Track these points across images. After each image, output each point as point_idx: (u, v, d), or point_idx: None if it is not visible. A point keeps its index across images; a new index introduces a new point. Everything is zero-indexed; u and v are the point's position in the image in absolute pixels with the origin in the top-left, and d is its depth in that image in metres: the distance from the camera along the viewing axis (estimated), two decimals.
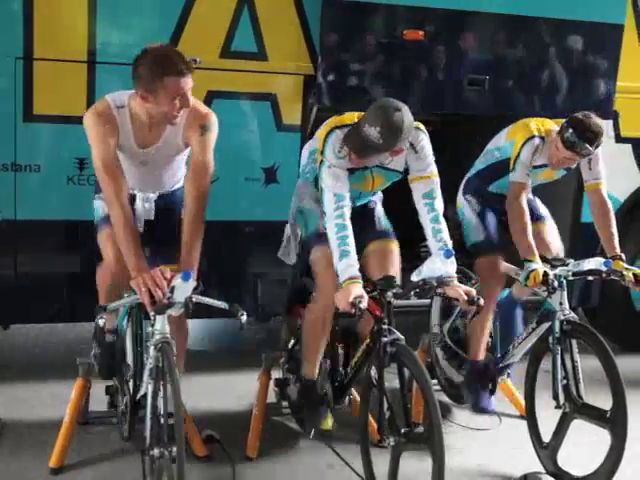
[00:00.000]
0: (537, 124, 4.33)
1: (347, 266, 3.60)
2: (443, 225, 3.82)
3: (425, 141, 3.86)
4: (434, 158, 3.88)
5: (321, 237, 3.90)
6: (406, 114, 3.62)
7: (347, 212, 3.71)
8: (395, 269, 3.97)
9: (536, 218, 4.45)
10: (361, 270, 3.71)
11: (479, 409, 4.58)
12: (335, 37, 4.92)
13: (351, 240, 3.66)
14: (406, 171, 3.91)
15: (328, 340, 4.13)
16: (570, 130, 4.11)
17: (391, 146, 3.64)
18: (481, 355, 4.58)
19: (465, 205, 4.60)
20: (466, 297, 3.62)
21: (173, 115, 3.48)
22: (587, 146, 4.11)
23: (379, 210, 4.24)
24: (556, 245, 4.53)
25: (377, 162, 3.84)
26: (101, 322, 3.27)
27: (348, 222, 3.69)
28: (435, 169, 3.88)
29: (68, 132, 4.59)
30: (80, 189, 4.62)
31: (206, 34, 4.75)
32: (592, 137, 4.11)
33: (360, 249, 3.78)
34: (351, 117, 3.81)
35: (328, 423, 4.13)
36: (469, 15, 5.13)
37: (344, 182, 3.75)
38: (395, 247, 4.08)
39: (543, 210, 4.61)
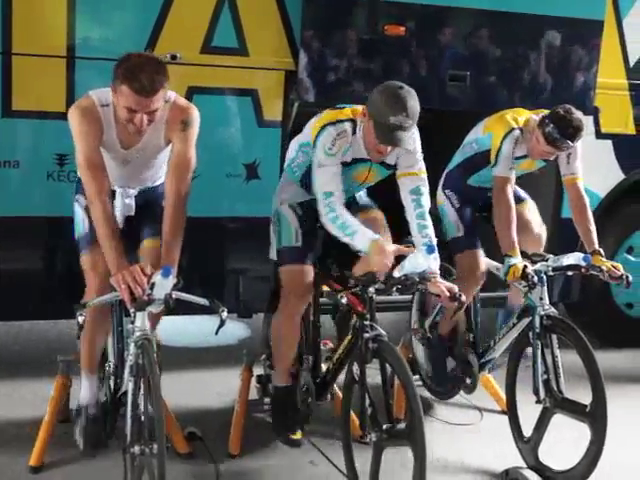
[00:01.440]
0: (513, 116, 4.35)
1: (362, 236, 3.60)
2: (429, 222, 3.83)
3: (415, 135, 3.86)
4: (422, 155, 3.89)
5: (291, 254, 3.94)
6: (410, 89, 3.67)
7: (336, 200, 3.69)
8: (383, 235, 3.92)
9: (516, 200, 4.46)
10: (348, 248, 3.73)
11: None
12: (316, 32, 4.90)
13: (350, 219, 3.66)
14: (396, 167, 3.92)
15: (305, 338, 4.16)
16: (552, 126, 4.13)
17: (414, 125, 3.66)
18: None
19: (445, 201, 4.61)
20: (448, 293, 3.62)
21: (127, 122, 3.43)
22: (568, 142, 4.13)
23: (362, 192, 4.24)
24: (537, 222, 4.58)
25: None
26: (81, 319, 3.25)
27: (339, 209, 3.68)
28: (423, 166, 3.88)
29: (47, 128, 4.56)
30: (60, 185, 4.59)
31: (187, 29, 4.73)
32: (573, 133, 4.14)
33: None
34: (346, 112, 3.80)
35: (297, 435, 4.13)
36: (450, 11, 5.14)
37: (334, 179, 3.73)
38: (379, 215, 4.09)
39: (522, 192, 4.65)
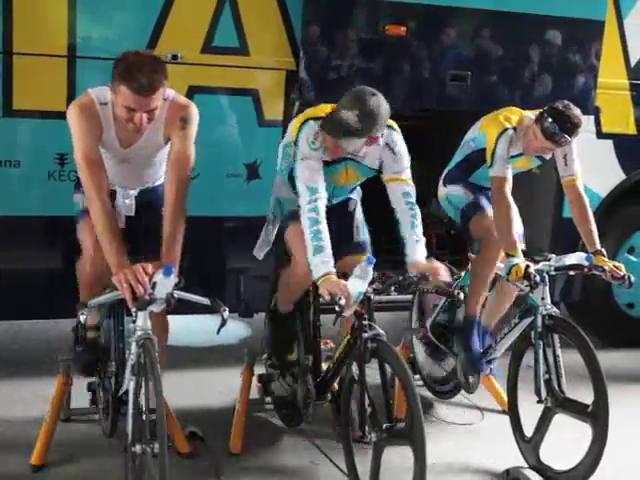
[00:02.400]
0: (505, 115, 4.36)
1: (321, 262, 3.59)
2: (420, 224, 3.84)
3: (400, 142, 3.88)
4: (410, 160, 3.89)
5: (296, 215, 3.88)
6: (382, 100, 3.65)
7: (321, 205, 3.69)
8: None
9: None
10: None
11: (473, 368, 4.52)
12: (317, 32, 4.91)
13: (325, 235, 3.64)
14: (380, 170, 3.92)
15: (305, 338, 4.16)
16: (550, 120, 4.13)
17: (368, 130, 3.63)
18: (477, 311, 4.56)
19: (449, 188, 4.62)
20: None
21: (127, 121, 3.43)
22: (566, 137, 4.14)
23: (358, 216, 4.22)
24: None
25: (352, 151, 3.80)
26: (82, 318, 3.25)
27: (322, 216, 3.67)
28: (410, 174, 3.90)
29: (48, 127, 4.56)
30: (61, 185, 4.59)
31: (187, 29, 4.74)
32: (572, 128, 4.15)
33: (335, 257, 3.69)
34: (324, 109, 3.80)
35: (294, 353, 4.14)
36: (451, 11, 5.14)
37: (318, 174, 3.74)
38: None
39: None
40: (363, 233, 4.15)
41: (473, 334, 4.52)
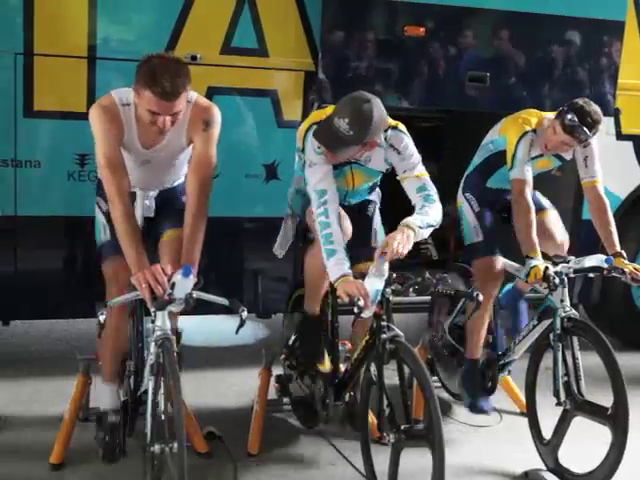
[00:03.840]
0: (525, 118, 4.36)
1: (335, 265, 3.58)
2: (432, 211, 3.73)
3: (407, 141, 3.85)
4: (420, 158, 3.87)
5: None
6: (376, 106, 3.60)
7: (331, 208, 3.67)
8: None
9: (538, 209, 4.44)
10: None
11: (475, 409, 4.57)
12: (336, 33, 4.91)
13: (336, 237, 3.62)
14: (393, 171, 3.90)
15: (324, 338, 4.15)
16: (571, 114, 4.13)
17: (361, 138, 3.61)
18: (477, 354, 4.57)
19: (465, 204, 4.60)
20: None
21: (151, 124, 3.45)
22: (586, 131, 4.13)
23: (376, 220, 4.22)
24: (560, 233, 4.55)
25: (351, 158, 3.80)
26: (102, 318, 3.26)
27: (332, 218, 3.65)
28: (423, 169, 3.87)
29: (68, 128, 4.59)
30: (81, 185, 4.62)
31: (207, 30, 4.75)
32: (592, 123, 4.15)
33: (353, 264, 3.70)
34: (329, 111, 3.79)
35: (326, 364, 4.11)
36: (470, 11, 5.13)
37: (326, 177, 3.72)
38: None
39: (545, 201, 4.62)
40: (380, 239, 4.12)
41: (475, 376, 4.54)
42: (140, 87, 3.37)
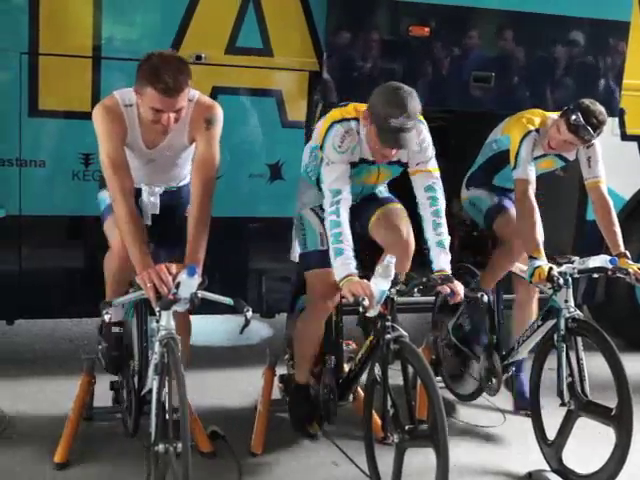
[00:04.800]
0: (528, 117, 4.38)
1: (342, 264, 3.60)
2: (443, 220, 3.82)
3: (425, 132, 3.86)
4: (434, 152, 3.87)
5: (317, 258, 3.94)
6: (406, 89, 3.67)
7: (343, 207, 3.69)
8: (405, 225, 3.97)
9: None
10: (372, 241, 3.79)
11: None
12: (341, 33, 4.91)
13: (345, 236, 3.64)
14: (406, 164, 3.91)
15: (328, 338, 4.17)
16: (577, 114, 4.14)
17: (415, 124, 3.64)
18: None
19: (472, 191, 4.62)
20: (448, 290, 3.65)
21: (154, 122, 3.46)
22: (590, 131, 4.14)
23: (381, 187, 4.24)
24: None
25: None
26: (107, 317, 3.27)
27: (343, 218, 3.67)
28: (436, 164, 3.88)
29: (73, 127, 4.59)
30: (85, 185, 4.61)
31: (212, 30, 4.75)
32: (597, 124, 4.17)
33: (366, 225, 3.83)
34: (350, 110, 3.80)
35: (315, 428, 4.20)
36: (475, 11, 5.12)
37: (342, 177, 3.73)
38: (400, 207, 4.08)
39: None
40: (387, 194, 4.18)
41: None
42: (142, 85, 3.38)
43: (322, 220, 4.00)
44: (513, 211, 4.46)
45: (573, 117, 4.15)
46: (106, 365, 4.01)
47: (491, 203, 4.61)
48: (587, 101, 4.21)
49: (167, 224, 3.80)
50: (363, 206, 4.08)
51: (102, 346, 3.99)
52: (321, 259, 3.92)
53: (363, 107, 3.75)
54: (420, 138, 3.81)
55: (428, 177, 3.85)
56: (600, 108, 4.19)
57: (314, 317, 4.05)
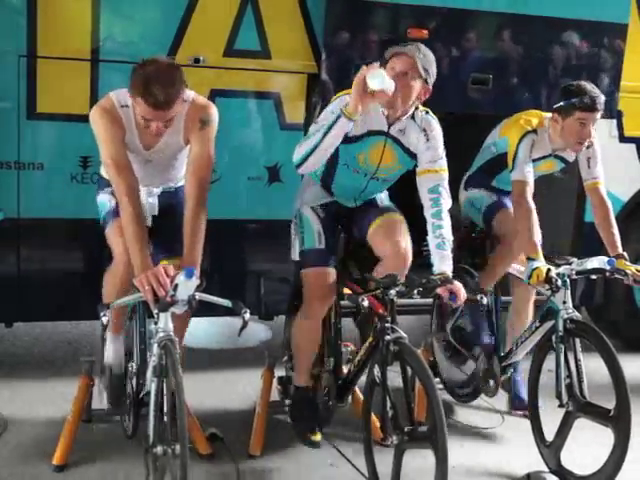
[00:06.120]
0: (526, 119, 4.38)
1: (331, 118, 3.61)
2: (445, 221, 3.80)
3: (438, 130, 3.86)
4: (445, 152, 3.88)
5: (314, 257, 3.94)
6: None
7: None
8: (404, 238, 3.95)
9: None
10: (370, 251, 3.81)
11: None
12: (339, 35, 4.92)
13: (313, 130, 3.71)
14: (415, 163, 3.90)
15: (327, 340, 4.18)
16: (578, 96, 4.18)
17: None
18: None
19: (470, 191, 4.63)
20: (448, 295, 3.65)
21: (145, 127, 3.47)
22: (585, 101, 4.16)
23: (381, 194, 4.21)
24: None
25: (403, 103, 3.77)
26: (105, 320, 3.27)
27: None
28: (445, 164, 3.86)
29: (71, 130, 4.60)
30: (84, 187, 4.62)
31: (210, 32, 4.76)
32: (589, 88, 4.20)
33: (365, 232, 3.85)
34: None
35: (317, 436, 4.13)
36: (473, 14, 5.14)
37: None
38: (400, 218, 4.06)
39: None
40: (388, 202, 4.17)
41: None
42: (134, 93, 3.39)
43: (321, 219, 4.01)
44: (512, 209, 4.46)
45: (579, 99, 4.16)
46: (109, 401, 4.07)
47: (490, 201, 4.63)
48: (574, 83, 4.28)
49: (166, 222, 3.80)
50: (363, 212, 4.07)
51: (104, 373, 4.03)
52: (317, 257, 3.93)
53: None
54: (432, 134, 3.82)
55: (435, 178, 3.83)
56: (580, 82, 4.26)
57: (310, 317, 4.03)
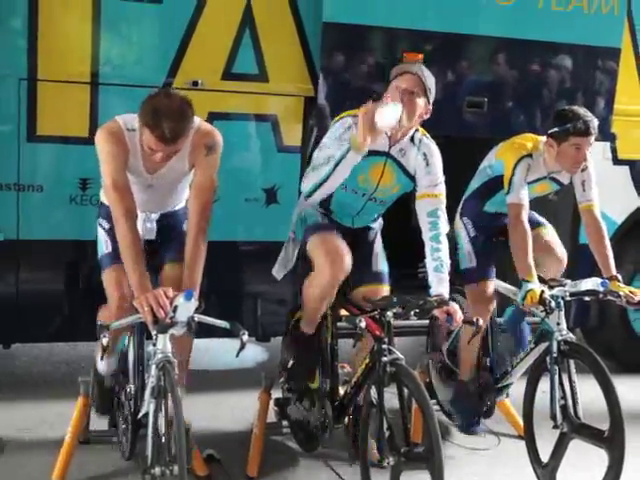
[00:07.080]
0: (520, 143, 4.42)
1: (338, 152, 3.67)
2: (443, 245, 3.85)
3: (437, 155, 3.92)
4: (444, 178, 3.92)
5: (316, 227, 3.95)
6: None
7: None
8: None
9: (535, 224, 4.50)
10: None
11: (467, 430, 4.60)
12: (335, 59, 4.98)
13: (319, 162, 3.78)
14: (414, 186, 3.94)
15: (323, 361, 4.17)
16: (572, 121, 4.21)
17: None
18: (466, 376, 4.61)
19: (462, 229, 4.62)
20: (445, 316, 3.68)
21: (149, 155, 3.52)
22: (580, 126, 4.19)
23: (378, 245, 4.22)
24: (559, 246, 4.58)
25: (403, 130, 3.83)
26: (104, 341, 3.29)
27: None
28: (444, 189, 3.91)
29: (71, 152, 4.64)
30: (83, 209, 4.66)
31: (208, 56, 4.81)
32: (582, 113, 4.24)
33: (354, 287, 3.89)
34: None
35: (315, 380, 4.14)
36: (468, 38, 5.20)
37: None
38: (386, 289, 4.08)
39: (540, 218, 4.65)
40: (382, 263, 4.15)
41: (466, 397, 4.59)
42: (142, 123, 3.43)
43: (321, 214, 4.05)
44: (488, 282, 4.47)
45: (572, 124, 4.20)
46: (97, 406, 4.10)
47: (468, 265, 4.53)
48: (567, 108, 4.34)
49: (165, 240, 3.86)
50: (356, 258, 3.96)
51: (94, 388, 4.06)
52: (322, 226, 3.96)
53: None
54: (431, 159, 3.88)
55: (434, 202, 3.88)
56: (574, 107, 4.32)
57: (322, 281, 3.92)
